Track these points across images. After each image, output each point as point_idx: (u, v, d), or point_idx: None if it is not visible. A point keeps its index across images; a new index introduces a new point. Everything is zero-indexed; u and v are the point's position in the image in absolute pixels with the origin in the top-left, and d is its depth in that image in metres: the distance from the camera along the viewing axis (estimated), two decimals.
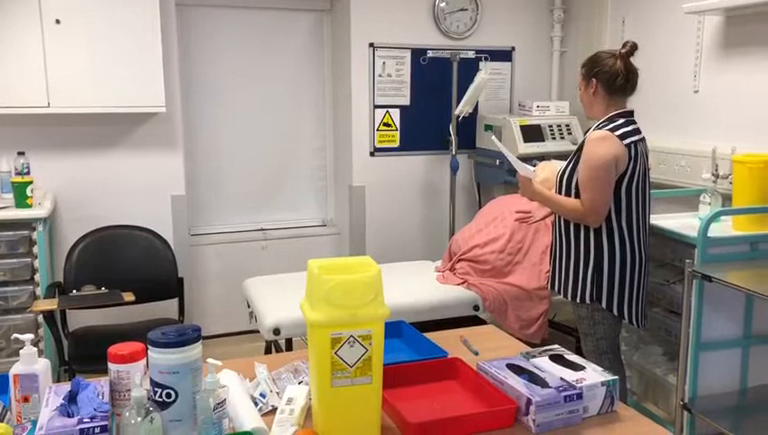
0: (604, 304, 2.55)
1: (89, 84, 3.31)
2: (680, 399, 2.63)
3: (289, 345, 3.12)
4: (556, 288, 2.72)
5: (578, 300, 2.60)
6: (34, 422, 1.39)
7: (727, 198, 2.90)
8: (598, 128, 2.52)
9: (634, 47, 2.52)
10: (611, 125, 2.49)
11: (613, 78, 2.51)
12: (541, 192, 2.63)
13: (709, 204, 2.91)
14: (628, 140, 2.45)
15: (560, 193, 2.61)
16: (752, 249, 2.67)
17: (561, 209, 2.58)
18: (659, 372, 3.03)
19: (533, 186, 2.63)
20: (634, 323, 2.59)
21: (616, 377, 1.63)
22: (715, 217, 2.63)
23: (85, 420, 1.33)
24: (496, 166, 3.97)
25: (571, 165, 2.56)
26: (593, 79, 2.53)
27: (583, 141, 2.54)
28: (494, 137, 2.96)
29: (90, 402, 1.42)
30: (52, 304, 2.83)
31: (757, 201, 2.70)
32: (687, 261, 2.54)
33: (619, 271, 2.53)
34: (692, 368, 2.63)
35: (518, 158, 3.80)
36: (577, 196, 2.52)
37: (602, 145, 2.44)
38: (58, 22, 3.22)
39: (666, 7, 3.54)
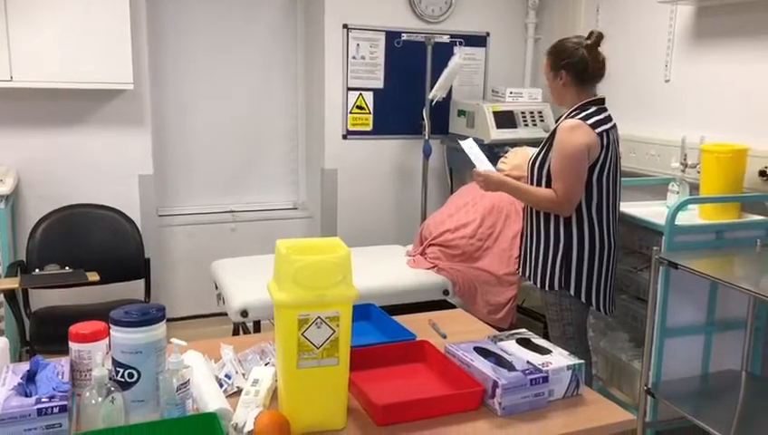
0: (572, 291, 2.57)
1: (53, 58, 3.21)
2: (644, 384, 2.67)
3: (257, 328, 3.10)
4: (526, 274, 2.73)
5: (546, 287, 2.61)
6: None
7: (695, 187, 2.94)
8: (569, 116, 2.52)
9: (600, 37, 2.51)
10: (583, 113, 2.49)
11: (582, 69, 2.50)
12: (506, 182, 2.61)
13: (677, 193, 2.95)
14: (600, 129, 2.46)
15: (531, 181, 2.61)
16: (717, 238, 2.72)
17: (533, 199, 2.58)
18: (625, 357, 3.07)
19: (497, 177, 2.61)
20: (602, 310, 2.61)
21: (581, 361, 1.65)
22: (682, 206, 2.66)
23: (43, 399, 1.30)
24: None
25: (542, 153, 2.56)
26: (562, 70, 2.53)
27: (555, 130, 2.54)
28: (464, 143, 2.82)
29: (49, 382, 1.39)
30: (13, 283, 2.76)
31: (724, 190, 2.73)
32: (655, 248, 2.57)
33: (588, 258, 2.55)
34: (656, 354, 2.67)
35: (489, 144, 3.81)
36: (548, 184, 2.52)
37: (574, 134, 2.44)
38: None
39: None
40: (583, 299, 2.57)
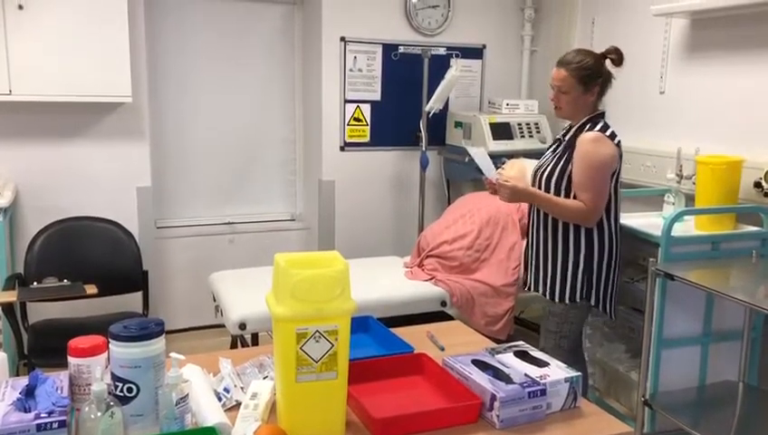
0: (593, 301, 2.60)
1: (52, 72, 3.23)
2: (641, 395, 2.68)
3: (255, 340, 3.10)
4: (540, 290, 2.70)
5: (567, 300, 2.60)
6: None
7: (691, 198, 2.96)
8: (583, 129, 2.54)
9: (621, 56, 2.57)
10: (598, 126, 2.53)
11: (607, 83, 2.59)
12: (533, 193, 2.59)
13: (673, 204, 2.96)
14: (616, 140, 2.53)
15: None
16: (713, 248, 2.73)
17: (561, 210, 2.55)
18: (622, 368, 3.08)
19: (519, 186, 2.59)
20: (613, 316, 2.67)
21: (579, 373, 1.65)
22: (678, 217, 2.68)
23: (42, 414, 1.30)
24: (465, 162, 3.98)
25: (559, 166, 2.56)
26: (597, 87, 2.55)
27: (568, 142, 2.56)
28: (473, 149, 2.81)
29: (48, 397, 1.39)
30: (11, 296, 2.76)
31: (719, 202, 2.75)
32: (651, 259, 2.58)
33: (606, 267, 2.59)
34: (653, 364, 2.68)
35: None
36: (566, 197, 2.55)
37: (600, 146, 2.48)
38: (21, 7, 3.13)
39: (634, 9, 3.59)
40: (601, 308, 2.61)
